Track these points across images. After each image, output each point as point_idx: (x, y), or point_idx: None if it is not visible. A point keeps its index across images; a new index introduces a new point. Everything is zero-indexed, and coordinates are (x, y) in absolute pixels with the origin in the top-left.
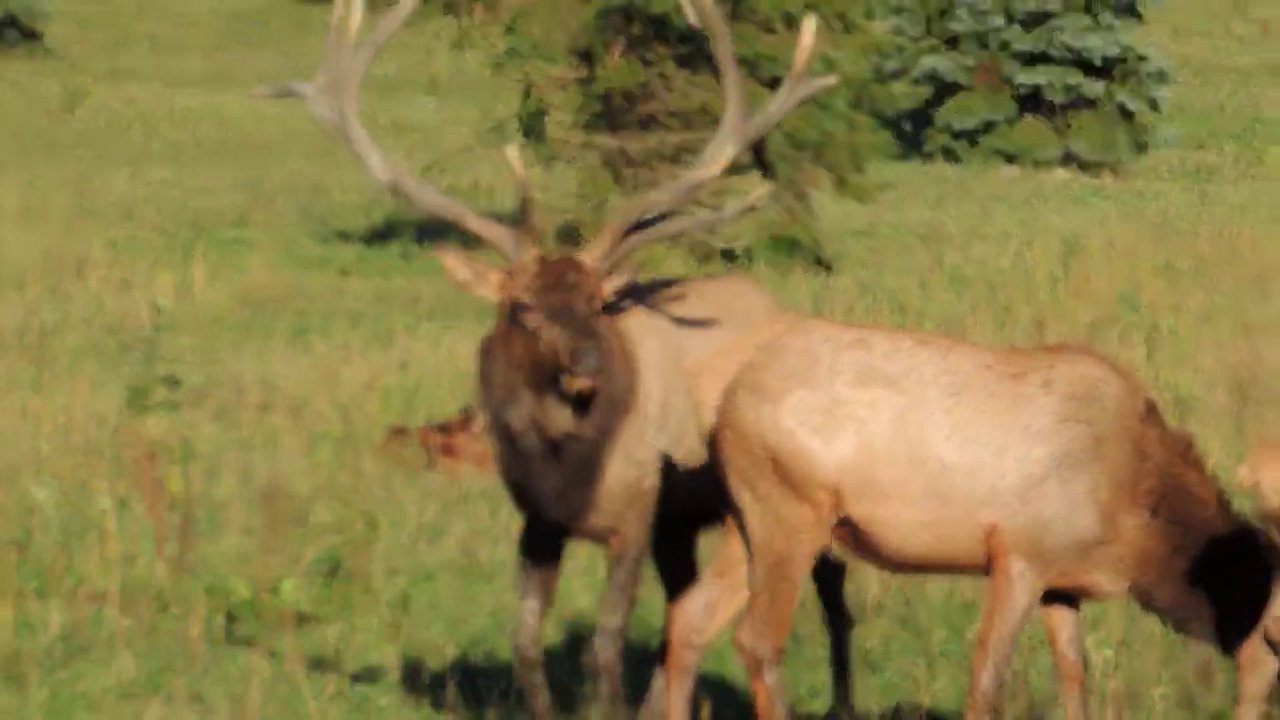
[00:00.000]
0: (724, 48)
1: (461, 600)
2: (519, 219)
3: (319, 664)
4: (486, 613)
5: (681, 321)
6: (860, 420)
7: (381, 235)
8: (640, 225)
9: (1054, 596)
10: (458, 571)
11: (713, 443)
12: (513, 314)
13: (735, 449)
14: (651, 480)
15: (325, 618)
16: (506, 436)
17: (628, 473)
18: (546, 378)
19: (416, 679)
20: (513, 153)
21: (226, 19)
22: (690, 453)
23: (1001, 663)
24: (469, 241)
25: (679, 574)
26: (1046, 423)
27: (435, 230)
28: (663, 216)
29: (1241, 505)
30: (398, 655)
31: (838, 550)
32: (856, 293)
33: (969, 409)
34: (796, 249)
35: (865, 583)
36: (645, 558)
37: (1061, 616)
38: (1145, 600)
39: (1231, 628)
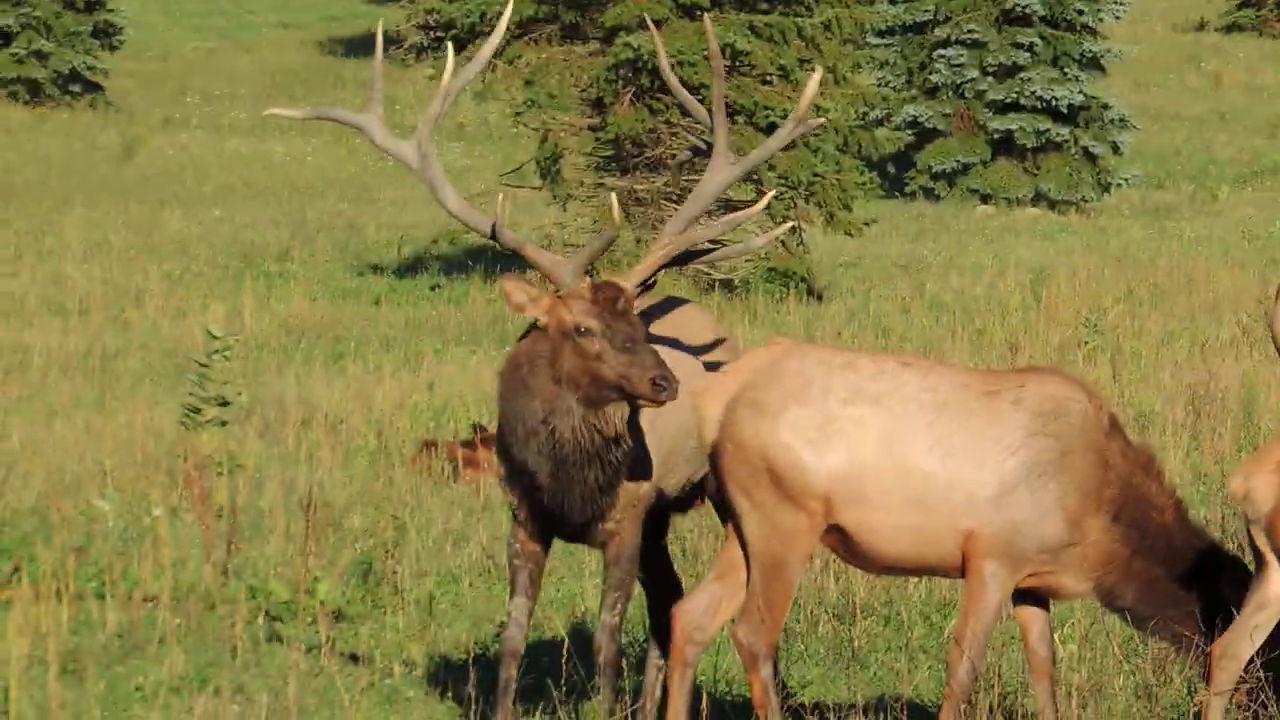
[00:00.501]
0: (719, 88)
1: (484, 601)
2: (593, 253)
3: (352, 659)
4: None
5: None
6: (850, 435)
7: (411, 269)
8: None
9: (1024, 596)
10: (481, 574)
11: (714, 455)
12: (573, 336)
13: (735, 461)
14: (647, 487)
15: (358, 617)
16: (551, 444)
17: (631, 480)
18: (599, 393)
19: (442, 673)
20: (614, 202)
21: (270, 74)
22: (668, 457)
23: (976, 657)
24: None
25: (655, 563)
26: (1018, 436)
27: (459, 265)
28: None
29: (1198, 513)
30: (425, 651)
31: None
32: (845, 318)
33: (949, 424)
34: (790, 279)
35: (852, 585)
36: (638, 557)
37: (1032, 614)
38: (1108, 600)
39: (1188, 626)
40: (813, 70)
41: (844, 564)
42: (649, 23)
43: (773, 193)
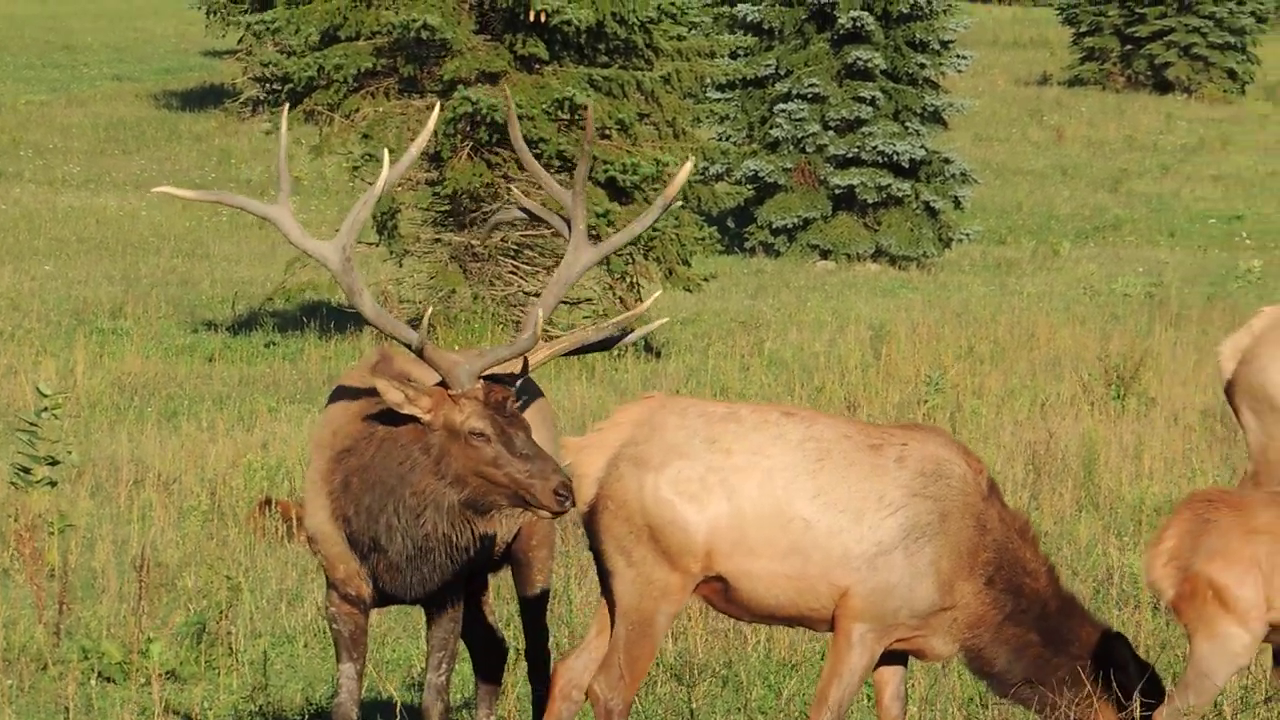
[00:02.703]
0: (583, 169)
1: (319, 661)
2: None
3: None
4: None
5: None
6: (732, 484)
7: (245, 325)
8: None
9: (884, 654)
10: (316, 634)
11: (591, 513)
12: (465, 438)
13: (615, 518)
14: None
15: (192, 677)
16: (421, 535)
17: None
18: (487, 497)
19: None
20: (538, 316)
21: (105, 128)
22: None
23: (835, 717)
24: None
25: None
26: (898, 495)
27: (294, 322)
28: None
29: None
30: (259, 713)
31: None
32: (683, 375)
33: (830, 475)
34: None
35: (690, 645)
36: (461, 616)
37: (890, 672)
38: (977, 664)
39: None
40: (685, 160)
41: (680, 625)
42: (507, 97)
43: (657, 293)
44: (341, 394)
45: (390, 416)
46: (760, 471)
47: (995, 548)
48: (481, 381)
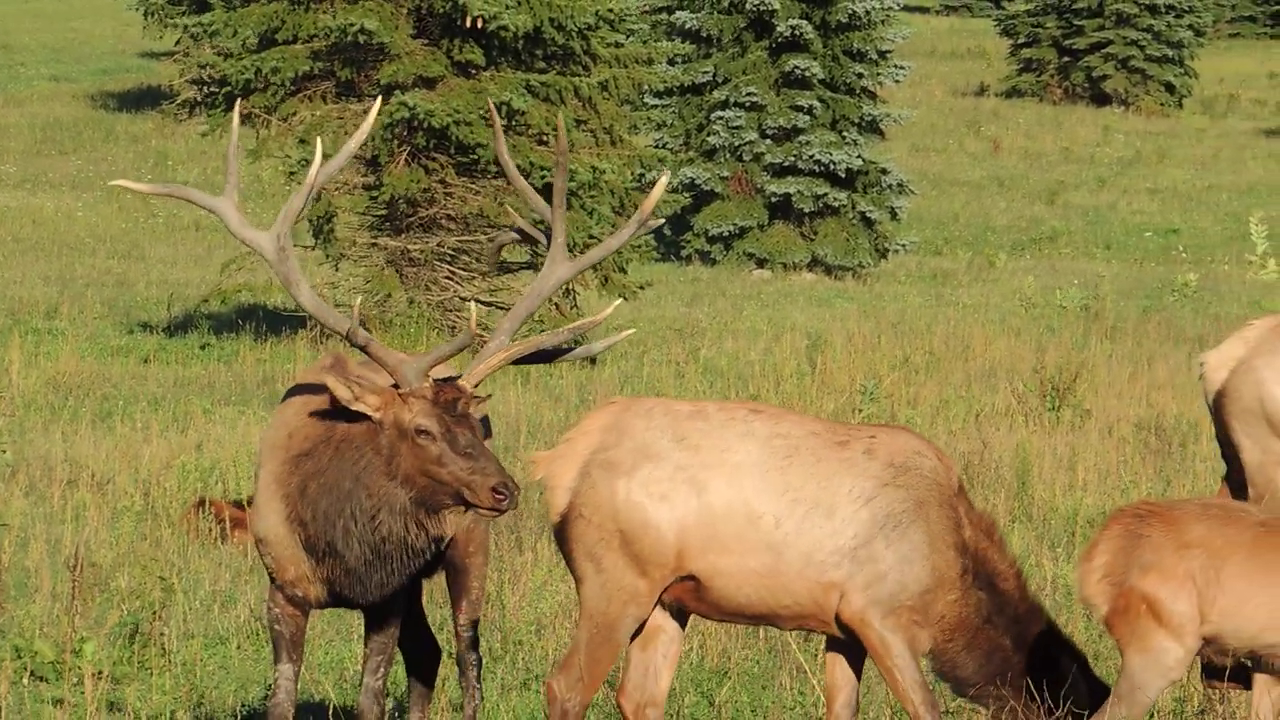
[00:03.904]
0: (561, 182)
1: (252, 663)
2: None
3: None
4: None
5: None
6: (701, 482)
7: (181, 327)
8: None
9: (840, 658)
10: (249, 636)
11: (562, 522)
12: (411, 437)
13: (589, 525)
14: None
15: (124, 678)
16: (375, 538)
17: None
18: (435, 497)
19: None
20: (472, 311)
21: (41, 128)
22: None
23: (926, 696)
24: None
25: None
26: (868, 486)
27: (230, 324)
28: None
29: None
30: (191, 714)
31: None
32: (619, 382)
33: (799, 471)
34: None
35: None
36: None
37: (842, 679)
38: (945, 669)
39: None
40: (661, 175)
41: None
42: (493, 114)
43: (616, 302)
44: (295, 395)
45: (346, 417)
46: (728, 468)
47: (971, 544)
48: (431, 380)
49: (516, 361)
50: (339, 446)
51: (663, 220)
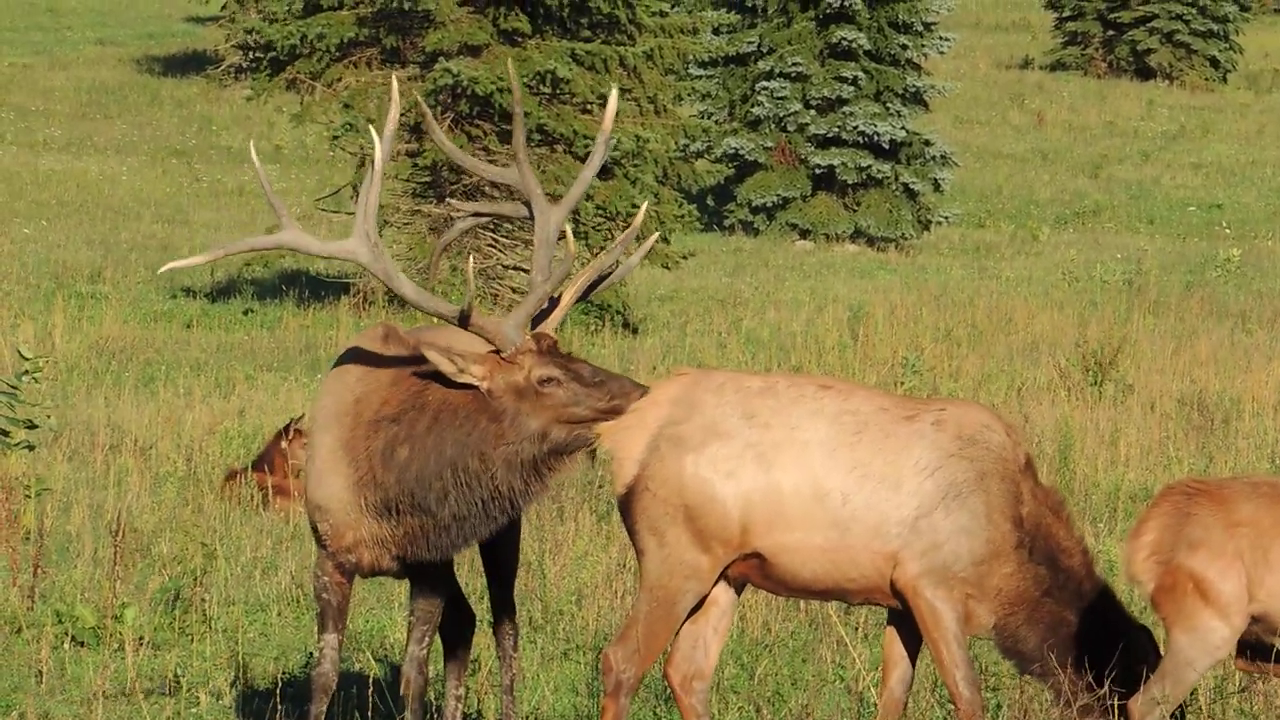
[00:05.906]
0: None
1: (292, 630)
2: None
3: (159, 686)
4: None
5: None
6: (770, 458)
7: (224, 292)
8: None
9: (899, 633)
10: (289, 603)
11: (628, 494)
12: (535, 390)
13: (652, 499)
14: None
15: (165, 644)
16: (485, 493)
17: None
18: (571, 436)
19: (249, 703)
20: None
21: (87, 91)
22: None
23: (967, 675)
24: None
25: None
26: (934, 457)
27: (273, 290)
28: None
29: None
30: (232, 680)
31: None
32: (661, 352)
33: (868, 448)
34: (606, 312)
35: None
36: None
37: (899, 654)
38: (1008, 643)
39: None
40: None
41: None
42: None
43: (645, 205)
44: (351, 363)
45: (439, 383)
46: (797, 445)
47: (1031, 520)
48: (528, 333)
49: (584, 296)
50: (437, 414)
51: (617, 139)
